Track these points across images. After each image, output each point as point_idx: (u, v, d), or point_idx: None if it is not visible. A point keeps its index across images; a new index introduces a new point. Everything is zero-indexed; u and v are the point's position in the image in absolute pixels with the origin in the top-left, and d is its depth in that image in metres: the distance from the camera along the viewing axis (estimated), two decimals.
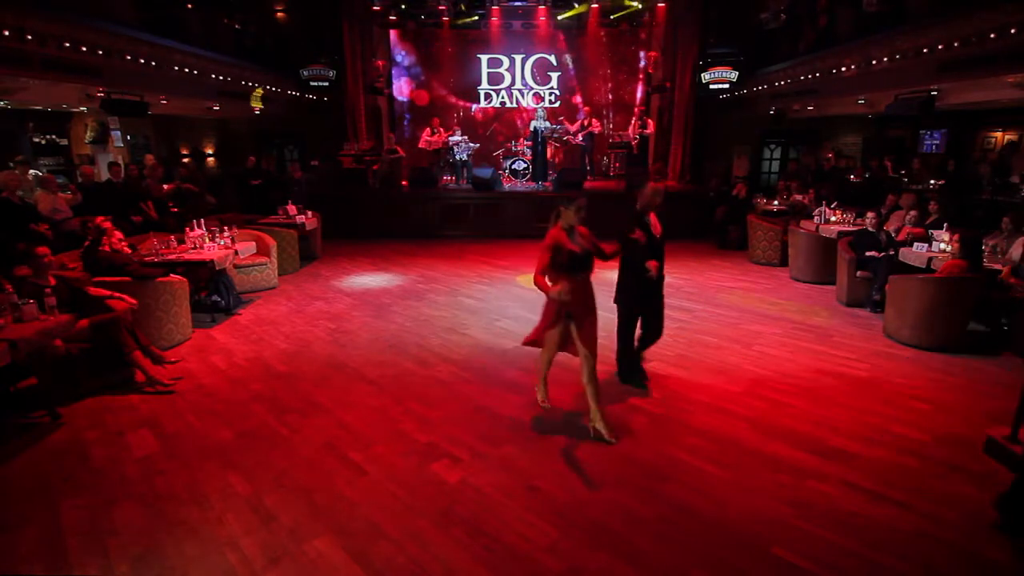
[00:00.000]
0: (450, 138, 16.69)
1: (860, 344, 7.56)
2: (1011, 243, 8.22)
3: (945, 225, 8.74)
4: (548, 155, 16.89)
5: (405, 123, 19.52)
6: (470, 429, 5.58)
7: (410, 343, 7.58)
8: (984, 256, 7.69)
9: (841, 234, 9.76)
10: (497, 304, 8.92)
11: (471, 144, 16.90)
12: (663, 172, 16.66)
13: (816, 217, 10.92)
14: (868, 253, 8.82)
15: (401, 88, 19.48)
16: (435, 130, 17.25)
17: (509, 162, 17.00)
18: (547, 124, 16.38)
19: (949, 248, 8.01)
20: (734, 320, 8.36)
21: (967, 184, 13.21)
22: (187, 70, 12.85)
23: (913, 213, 9.39)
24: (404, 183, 16.04)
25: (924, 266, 7.97)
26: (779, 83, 15.33)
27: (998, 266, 7.77)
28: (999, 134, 15.01)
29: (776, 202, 13.58)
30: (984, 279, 7.38)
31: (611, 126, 19.21)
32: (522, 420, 5.72)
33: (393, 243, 14.16)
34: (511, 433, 5.52)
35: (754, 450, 5.11)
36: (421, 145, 17.35)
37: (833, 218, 10.77)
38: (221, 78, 14.15)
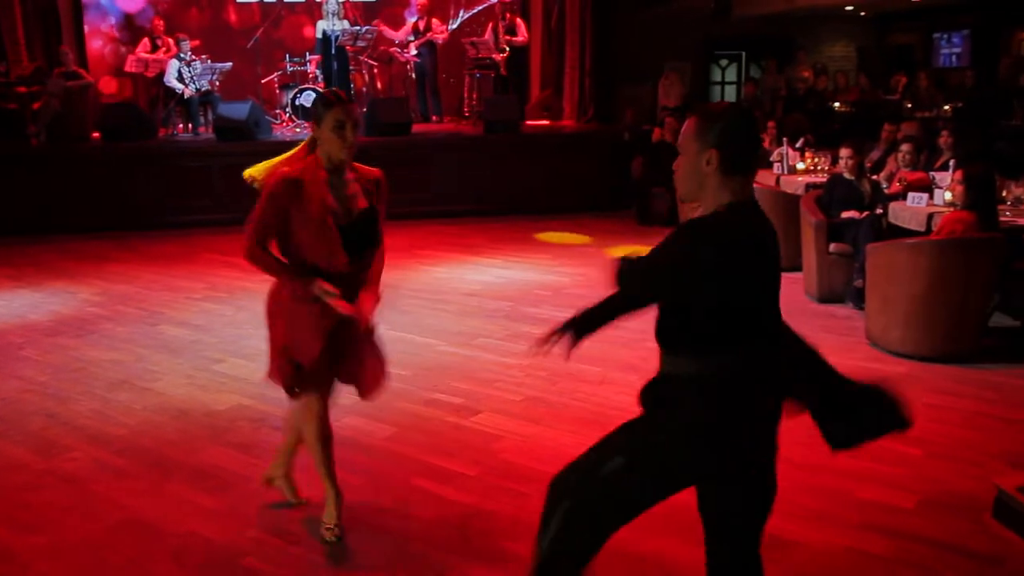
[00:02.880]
0: (179, 55, 12.46)
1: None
2: None
3: (952, 164, 7.53)
4: (356, 80, 13.49)
5: (112, 26, 15.07)
6: (94, 569, 4.02)
7: (33, 413, 6.04)
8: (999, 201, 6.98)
9: (811, 187, 8.48)
10: (225, 335, 7.53)
11: (216, 65, 12.74)
12: (552, 104, 14.37)
13: (776, 165, 9.11)
14: (845, 214, 7.66)
15: None
16: (157, 42, 12.86)
17: (291, 94, 13.31)
18: (345, 26, 12.65)
19: (950, 196, 7.17)
20: (635, 337, 6.61)
21: (993, 106, 11.92)
22: None
23: (906, 148, 8.08)
24: (95, 134, 12.63)
25: (924, 228, 7.05)
26: None
27: None
28: None
29: None
30: (1005, 240, 6.39)
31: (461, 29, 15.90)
32: (213, 544, 4.10)
33: (67, 239, 11.28)
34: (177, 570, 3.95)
35: (629, 552, 4.11)
36: (131, 68, 13.18)
37: (800, 164, 9.12)
38: None
